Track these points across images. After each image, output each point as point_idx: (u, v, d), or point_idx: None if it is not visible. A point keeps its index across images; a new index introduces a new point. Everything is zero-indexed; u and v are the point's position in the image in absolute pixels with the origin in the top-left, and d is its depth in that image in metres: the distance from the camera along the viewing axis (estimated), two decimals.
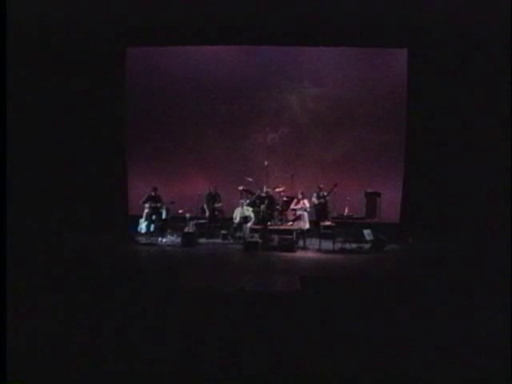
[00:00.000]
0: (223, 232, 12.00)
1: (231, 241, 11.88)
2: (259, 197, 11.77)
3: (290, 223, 11.64)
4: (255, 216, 11.71)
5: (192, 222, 11.90)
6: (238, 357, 4.59)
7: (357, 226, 11.68)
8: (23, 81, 11.55)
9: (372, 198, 12.04)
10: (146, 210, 12.04)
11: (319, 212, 11.83)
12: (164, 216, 12.26)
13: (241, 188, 12.07)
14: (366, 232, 11.70)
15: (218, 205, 12.24)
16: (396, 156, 13.23)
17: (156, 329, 5.26)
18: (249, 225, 11.67)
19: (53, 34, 12.02)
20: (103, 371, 4.28)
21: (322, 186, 11.91)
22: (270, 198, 11.72)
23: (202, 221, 12.25)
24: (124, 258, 10.12)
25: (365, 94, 13.29)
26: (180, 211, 12.03)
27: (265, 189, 11.82)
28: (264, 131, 13.61)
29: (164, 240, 11.75)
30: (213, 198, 12.24)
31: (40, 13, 11.00)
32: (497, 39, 10.87)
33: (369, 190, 12.19)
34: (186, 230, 11.62)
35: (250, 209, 11.90)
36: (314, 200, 11.85)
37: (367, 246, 11.30)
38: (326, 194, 11.74)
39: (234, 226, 12.05)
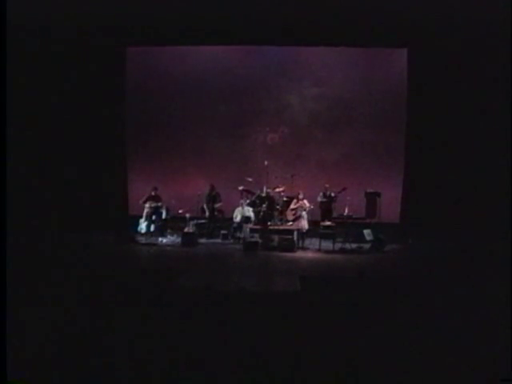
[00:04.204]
0: (223, 232, 12.02)
1: (231, 241, 11.88)
2: (259, 197, 11.76)
3: (290, 223, 11.64)
4: (255, 216, 11.71)
5: (192, 222, 11.91)
6: (238, 357, 4.59)
7: (357, 225, 11.69)
8: (23, 81, 11.56)
9: (372, 197, 12.05)
10: (146, 210, 12.06)
11: (323, 212, 11.84)
12: (164, 216, 12.29)
13: (241, 188, 12.07)
14: (366, 232, 11.71)
15: (217, 205, 12.24)
16: (396, 156, 13.24)
17: (156, 329, 5.25)
18: (249, 225, 11.67)
19: (53, 34, 12.03)
20: (103, 371, 4.28)
21: (327, 185, 11.91)
22: (270, 198, 11.71)
23: (202, 221, 12.26)
24: (124, 258, 10.11)
25: (365, 93, 13.30)
26: (180, 211, 12.04)
27: (265, 189, 11.81)
28: (264, 131, 13.62)
29: (164, 240, 11.75)
30: (213, 198, 12.24)
31: (40, 13, 11.00)
32: (497, 39, 10.87)
33: (369, 190, 12.20)
34: (185, 230, 11.62)
35: (250, 209, 11.90)
36: (319, 199, 11.86)
37: (367, 246, 11.31)
38: (333, 194, 11.74)
39: (234, 226, 12.06)
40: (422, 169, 12.60)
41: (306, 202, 11.66)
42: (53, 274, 7.57)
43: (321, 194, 11.92)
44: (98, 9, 11.14)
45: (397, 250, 11.14)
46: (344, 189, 11.53)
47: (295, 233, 11.30)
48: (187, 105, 13.56)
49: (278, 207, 11.78)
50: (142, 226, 12.10)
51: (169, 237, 11.99)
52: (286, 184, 12.02)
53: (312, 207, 11.63)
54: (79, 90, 12.71)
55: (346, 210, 11.51)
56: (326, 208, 11.81)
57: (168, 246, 11.40)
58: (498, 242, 9.69)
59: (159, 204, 12.09)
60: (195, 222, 12.03)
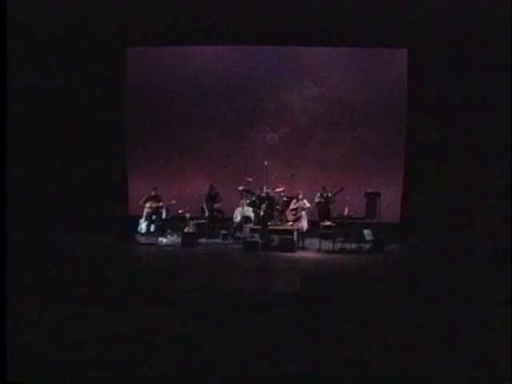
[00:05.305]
0: (223, 232, 11.99)
1: (231, 241, 11.88)
2: (259, 197, 11.75)
3: (290, 223, 11.64)
4: (255, 216, 11.70)
5: (192, 222, 11.89)
6: (237, 357, 4.59)
7: (357, 226, 11.69)
8: (23, 81, 11.57)
9: (372, 197, 12.04)
10: (146, 210, 12.07)
11: (320, 212, 11.83)
12: (164, 216, 12.29)
13: (241, 188, 12.07)
14: (366, 232, 11.71)
15: (217, 205, 12.24)
16: (396, 156, 13.24)
17: (156, 329, 5.26)
18: (249, 225, 11.66)
19: (53, 33, 12.03)
20: (103, 371, 4.28)
21: (327, 187, 11.88)
22: (270, 198, 11.70)
23: (202, 221, 12.25)
24: (124, 258, 10.11)
25: (365, 94, 13.30)
26: (180, 211, 12.04)
27: (265, 189, 11.80)
28: (264, 131, 13.61)
29: (164, 240, 11.74)
30: (212, 198, 12.23)
31: (40, 13, 11.01)
32: (497, 39, 10.88)
33: (369, 190, 12.19)
34: (185, 230, 11.61)
35: (250, 209, 11.90)
36: (316, 199, 11.84)
37: (367, 246, 11.30)
38: (330, 195, 11.73)
39: (234, 226, 12.05)
40: (421, 169, 12.60)
41: (305, 201, 11.65)
42: (53, 274, 7.57)
43: (318, 194, 11.91)
44: (97, 9, 11.14)
45: (397, 250, 11.13)
46: (341, 189, 11.52)
47: (295, 233, 11.29)
48: (187, 105, 13.56)
49: (277, 207, 11.78)
50: (142, 226, 12.11)
51: (169, 237, 11.98)
52: (285, 184, 12.02)
53: (310, 207, 11.62)
54: (79, 90, 12.70)
55: (346, 210, 11.51)
56: (323, 208, 11.79)
57: (168, 246, 11.38)
58: (498, 242, 9.70)
59: (159, 204, 12.11)
60: (195, 222, 12.01)
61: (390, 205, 12.57)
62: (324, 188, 11.86)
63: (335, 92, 13.41)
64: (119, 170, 13.49)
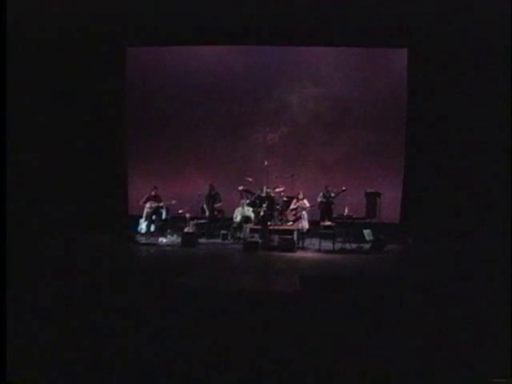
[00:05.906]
0: (223, 232, 12.01)
1: (231, 241, 11.88)
2: (259, 197, 11.76)
3: (290, 223, 11.64)
4: (255, 216, 11.71)
5: (192, 222, 11.91)
6: (237, 357, 4.59)
7: (357, 226, 11.69)
8: (23, 81, 11.56)
9: (372, 197, 12.04)
10: (146, 210, 12.07)
11: (322, 212, 11.85)
12: (164, 216, 12.29)
13: (241, 188, 12.07)
14: (366, 232, 11.72)
15: (217, 205, 12.24)
16: (396, 156, 13.24)
17: (156, 329, 5.25)
18: (249, 225, 11.66)
19: (53, 33, 12.02)
20: (103, 371, 4.28)
21: (329, 188, 11.89)
22: (270, 198, 11.71)
23: (202, 221, 12.26)
24: (124, 258, 10.11)
25: (365, 93, 13.30)
26: (180, 211, 12.04)
27: (265, 189, 11.81)
28: (264, 131, 13.62)
29: (164, 240, 11.74)
30: (212, 198, 12.24)
31: (40, 13, 11.00)
32: (497, 39, 10.88)
33: (369, 190, 12.20)
34: (185, 230, 11.62)
35: (250, 209, 11.90)
36: (319, 199, 11.85)
37: (367, 246, 11.31)
38: (332, 195, 11.73)
39: (234, 226, 12.06)
40: (421, 169, 12.61)
41: (305, 201, 11.67)
42: (53, 274, 7.57)
43: (321, 194, 11.93)
44: (97, 9, 11.14)
45: (397, 250, 11.13)
46: (343, 190, 11.53)
47: (295, 233, 11.29)
48: (187, 105, 13.57)
49: (277, 207, 11.78)
50: (142, 226, 12.12)
51: (169, 237, 11.98)
52: (285, 184, 12.02)
53: (310, 207, 11.63)
54: (79, 90, 12.71)
55: (346, 210, 11.51)
56: (325, 208, 11.81)
57: (168, 246, 11.39)
58: (498, 242, 9.70)
59: (159, 204, 12.11)
60: (195, 222, 12.03)
61: (390, 205, 12.56)
62: (327, 188, 11.89)
63: (335, 92, 13.41)
64: (119, 170, 13.50)
